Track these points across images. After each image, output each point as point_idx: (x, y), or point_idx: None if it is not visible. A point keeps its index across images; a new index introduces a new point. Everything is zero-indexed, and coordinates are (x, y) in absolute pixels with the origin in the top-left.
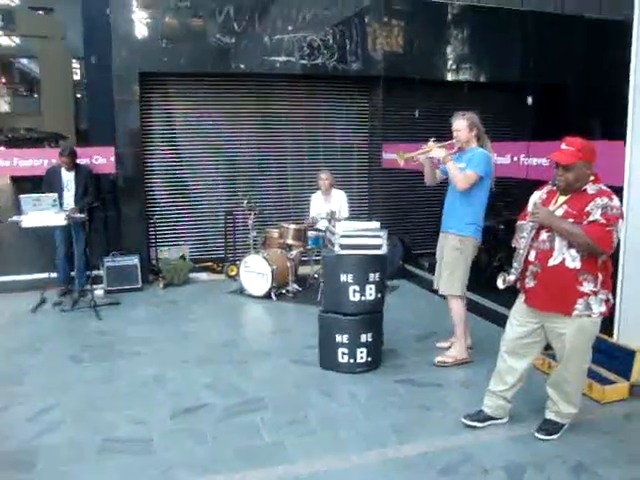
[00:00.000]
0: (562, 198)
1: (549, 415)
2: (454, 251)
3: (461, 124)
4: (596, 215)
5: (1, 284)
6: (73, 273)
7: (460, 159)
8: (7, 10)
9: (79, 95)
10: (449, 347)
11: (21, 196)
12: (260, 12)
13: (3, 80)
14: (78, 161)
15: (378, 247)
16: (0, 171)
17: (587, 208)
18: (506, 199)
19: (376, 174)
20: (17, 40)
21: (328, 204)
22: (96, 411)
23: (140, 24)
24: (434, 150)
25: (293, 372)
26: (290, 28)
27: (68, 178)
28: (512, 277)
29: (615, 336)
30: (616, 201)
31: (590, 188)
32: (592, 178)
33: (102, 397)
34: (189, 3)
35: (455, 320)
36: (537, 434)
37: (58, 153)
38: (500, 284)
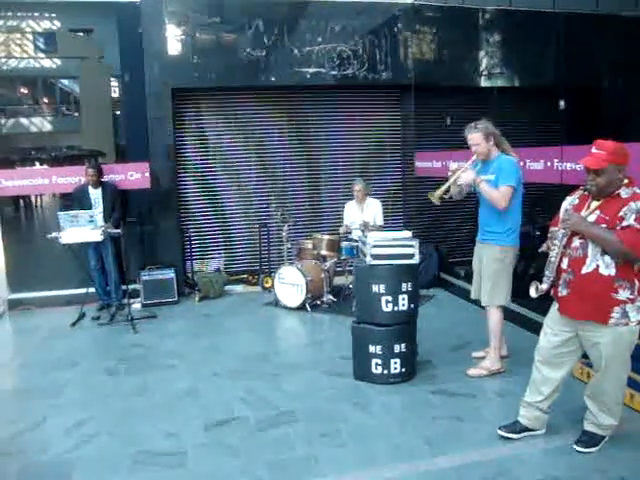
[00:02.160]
0: (594, 203)
1: (588, 427)
2: (496, 262)
3: (477, 137)
4: (630, 220)
5: (42, 299)
6: (109, 288)
7: (486, 170)
8: (49, 34)
9: (117, 112)
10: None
11: (59, 213)
12: (289, 24)
13: (45, 100)
14: (107, 178)
15: (410, 257)
16: (41, 189)
17: (620, 213)
18: (542, 205)
19: (410, 182)
20: (58, 62)
21: (362, 213)
22: (131, 424)
23: (171, 41)
24: (462, 176)
25: (326, 384)
26: (319, 39)
27: (95, 195)
28: (545, 285)
29: None
30: None
31: (623, 192)
32: (625, 181)
33: (137, 410)
34: (219, 18)
35: (492, 331)
36: (575, 446)
37: (84, 169)
38: (532, 293)
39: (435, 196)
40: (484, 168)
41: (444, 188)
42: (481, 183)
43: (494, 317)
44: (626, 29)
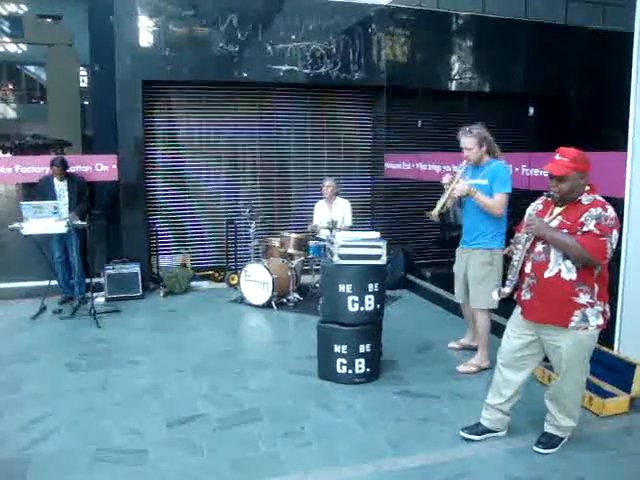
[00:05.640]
0: (557, 209)
1: (548, 428)
2: (485, 266)
3: (470, 142)
4: (590, 225)
5: (2, 291)
6: (73, 281)
7: (476, 174)
8: (16, 18)
9: (85, 102)
10: (460, 348)
11: (22, 203)
12: (264, 21)
13: (10, 87)
14: (74, 170)
15: (377, 257)
16: (4, 178)
17: (581, 219)
18: (508, 210)
19: (379, 183)
20: (25, 47)
21: (331, 212)
22: (91, 420)
23: (144, 32)
24: (456, 187)
25: (290, 383)
26: (293, 37)
27: (60, 187)
28: (507, 289)
29: (616, 348)
30: (610, 211)
31: (585, 198)
32: (587, 188)
33: (98, 406)
34: (193, 12)
35: (480, 331)
36: (536, 448)
37: (49, 163)
38: (495, 296)
39: (434, 214)
40: (475, 173)
41: (441, 203)
42: (476, 194)
43: (482, 319)
44: (592, 41)
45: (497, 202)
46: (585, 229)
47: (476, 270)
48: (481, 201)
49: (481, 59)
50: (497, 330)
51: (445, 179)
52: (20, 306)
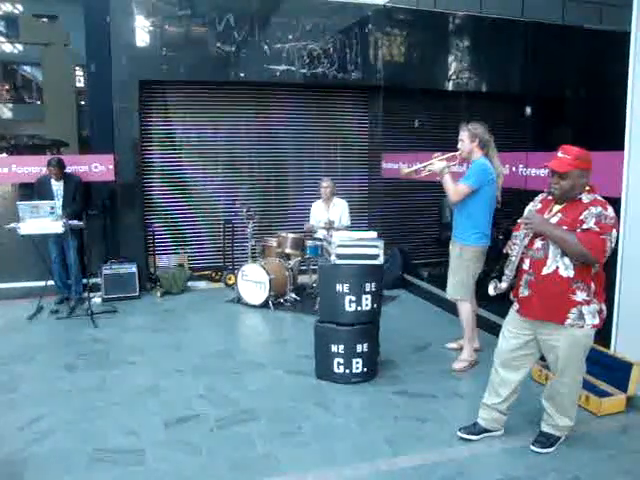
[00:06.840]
0: (557, 207)
1: (545, 428)
2: (456, 258)
3: (462, 135)
4: (590, 223)
5: None
6: (70, 281)
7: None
8: (11, 18)
9: (82, 102)
10: (459, 348)
11: (19, 203)
12: (260, 21)
13: (6, 87)
14: (71, 170)
15: (375, 257)
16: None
17: (581, 216)
18: (505, 209)
19: (376, 183)
20: (20, 47)
21: (329, 213)
22: (88, 420)
23: (140, 32)
24: (435, 163)
25: (288, 382)
26: (290, 37)
27: (57, 187)
28: (504, 284)
29: (612, 348)
30: (610, 211)
31: (585, 197)
32: (587, 187)
33: (95, 406)
34: (189, 11)
35: (463, 323)
36: (533, 447)
37: (46, 163)
38: (491, 291)
39: (405, 171)
40: (468, 169)
41: (414, 168)
42: (445, 176)
43: (462, 310)
44: (589, 41)
45: (455, 189)
46: (585, 226)
47: (450, 262)
48: (445, 182)
49: (478, 59)
50: (494, 330)
51: (436, 154)
52: (17, 306)
